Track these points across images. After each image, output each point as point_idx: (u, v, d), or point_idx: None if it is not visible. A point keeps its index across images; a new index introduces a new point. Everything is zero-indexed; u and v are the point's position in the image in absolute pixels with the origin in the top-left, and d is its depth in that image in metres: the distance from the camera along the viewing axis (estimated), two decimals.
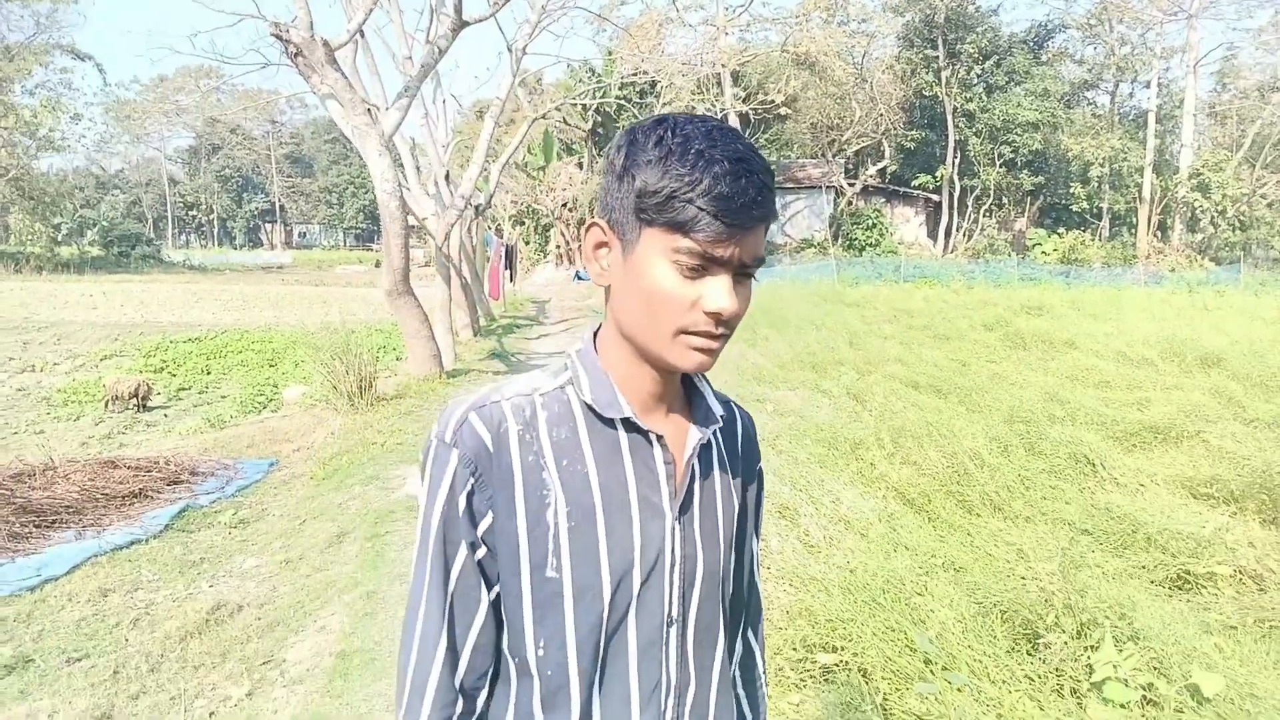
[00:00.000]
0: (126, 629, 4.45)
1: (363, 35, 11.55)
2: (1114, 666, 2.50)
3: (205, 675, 3.94)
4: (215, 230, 76.68)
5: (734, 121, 35.51)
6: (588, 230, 1.04)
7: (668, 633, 1.05)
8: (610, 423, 1.05)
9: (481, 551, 1.03)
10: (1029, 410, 6.11)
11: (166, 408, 13.78)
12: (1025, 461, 5.05)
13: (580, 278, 32.87)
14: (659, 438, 1.05)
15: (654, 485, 1.05)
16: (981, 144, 39.03)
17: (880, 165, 41.21)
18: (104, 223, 50.30)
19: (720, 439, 1.16)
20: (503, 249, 23.93)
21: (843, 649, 2.84)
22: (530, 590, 1.02)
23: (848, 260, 33.16)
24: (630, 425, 1.05)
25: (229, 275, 39.87)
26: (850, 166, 42.65)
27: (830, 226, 39.30)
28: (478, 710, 1.06)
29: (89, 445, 11.06)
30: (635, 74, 23.90)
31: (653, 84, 31.37)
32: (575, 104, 29.37)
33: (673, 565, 1.04)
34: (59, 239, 44.83)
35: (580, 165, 36.32)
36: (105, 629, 4.45)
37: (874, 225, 38.67)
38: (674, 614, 1.05)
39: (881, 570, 3.26)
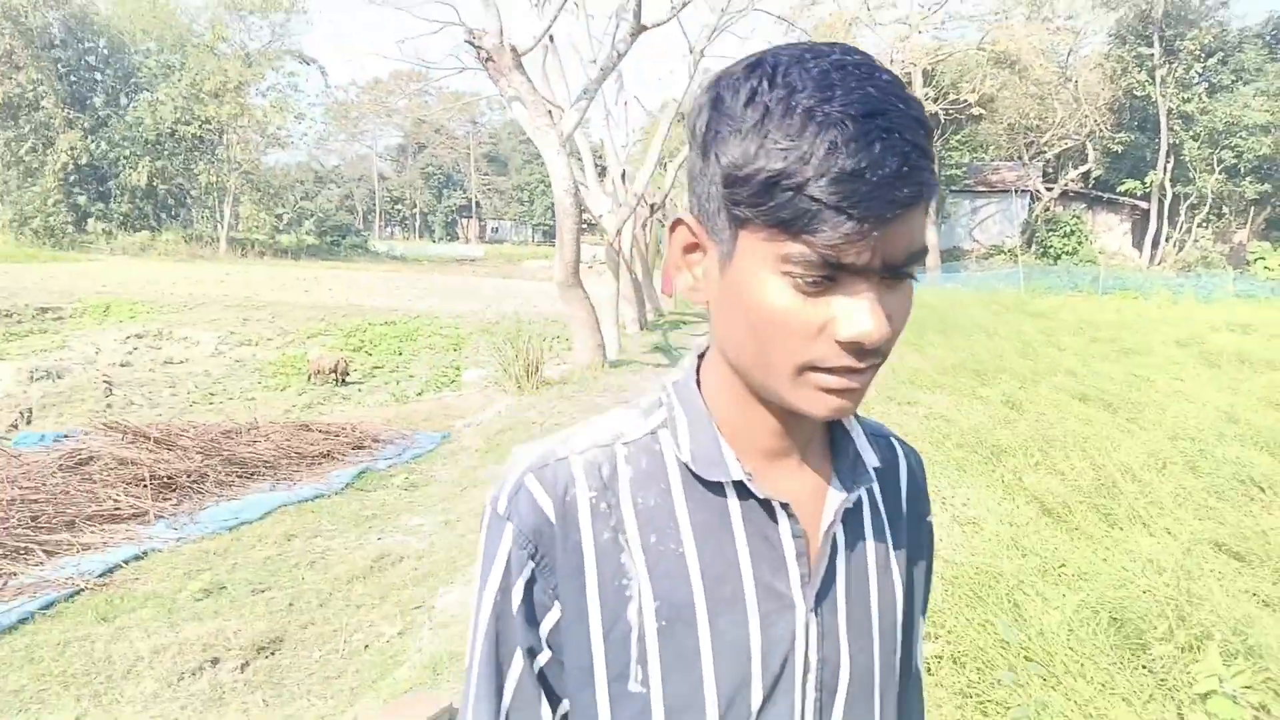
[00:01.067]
0: (304, 569, 5.01)
1: (552, 40, 12.15)
2: (1219, 680, 2.43)
3: (365, 614, 4.40)
4: (417, 223, 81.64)
5: None
6: (673, 229, 0.78)
7: None
8: (716, 486, 0.79)
9: (544, 657, 0.80)
10: (1198, 428, 5.77)
11: (361, 383, 14.94)
12: (1183, 479, 4.80)
13: None
14: (784, 505, 0.78)
15: (778, 567, 0.79)
16: (1199, 148, 36.04)
17: (1082, 169, 38.91)
18: (319, 214, 54.85)
19: (876, 494, 0.87)
20: None
21: (938, 638, 2.89)
22: (610, 709, 0.78)
23: (1040, 269, 31.49)
24: (743, 490, 0.79)
25: (426, 266, 42.53)
26: (1049, 170, 40.49)
27: (1023, 232, 37.47)
28: None
29: (291, 412, 12.20)
30: None
31: None
32: None
33: (806, 673, 0.79)
34: (280, 228, 49.20)
35: None
36: (286, 568, 5.02)
37: (1072, 232, 36.55)
38: None
39: (989, 567, 3.26)
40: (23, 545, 5.05)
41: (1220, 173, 36.03)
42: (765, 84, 0.67)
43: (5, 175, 39.42)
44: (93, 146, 40.66)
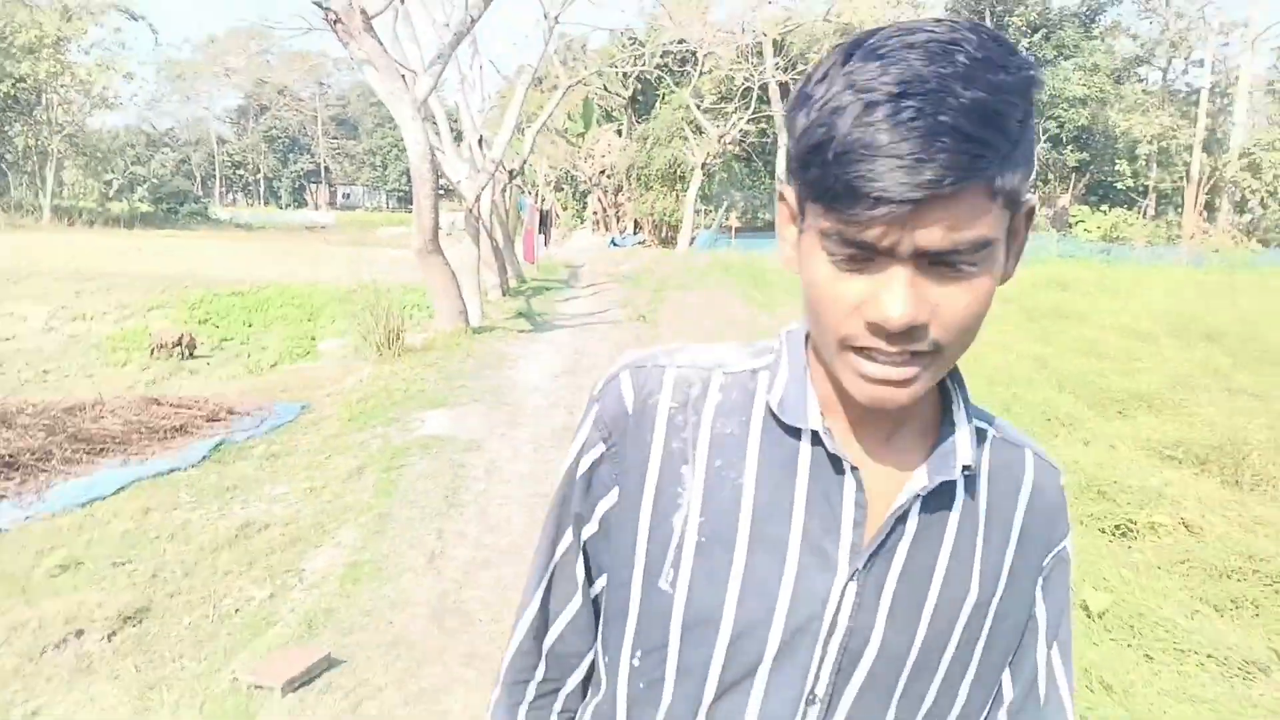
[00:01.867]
0: (165, 541, 4.95)
1: (402, 1, 11.91)
2: None
3: (233, 580, 4.42)
4: (261, 190, 77.95)
5: (774, 92, 35.48)
6: (780, 200, 0.81)
7: (804, 710, 0.81)
8: (794, 432, 0.81)
9: (590, 530, 0.89)
10: (1013, 375, 6.40)
11: (209, 357, 14.39)
12: None
13: (615, 244, 33.14)
14: (853, 469, 0.79)
15: (831, 528, 0.80)
16: None
17: None
18: (154, 180, 51.54)
19: (982, 496, 0.84)
20: (537, 213, 24.33)
21: None
22: (640, 595, 0.85)
23: None
24: (818, 443, 0.80)
25: (273, 233, 40.76)
26: None
27: None
28: (565, 686, 0.96)
29: (134, 389, 11.69)
30: (674, 42, 24.02)
31: (694, 52, 31.41)
32: (614, 71, 29.54)
33: (831, 634, 0.80)
34: (110, 195, 46.06)
35: (619, 133, 36.51)
36: (146, 540, 4.95)
37: None
38: (817, 692, 0.81)
39: None
40: None
41: (1045, 141, 38.65)
42: (841, 62, 0.67)
43: None
44: None
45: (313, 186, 78.60)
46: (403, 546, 4.54)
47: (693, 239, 32.05)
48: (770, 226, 38.18)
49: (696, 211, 33.48)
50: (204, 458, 6.55)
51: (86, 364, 14.35)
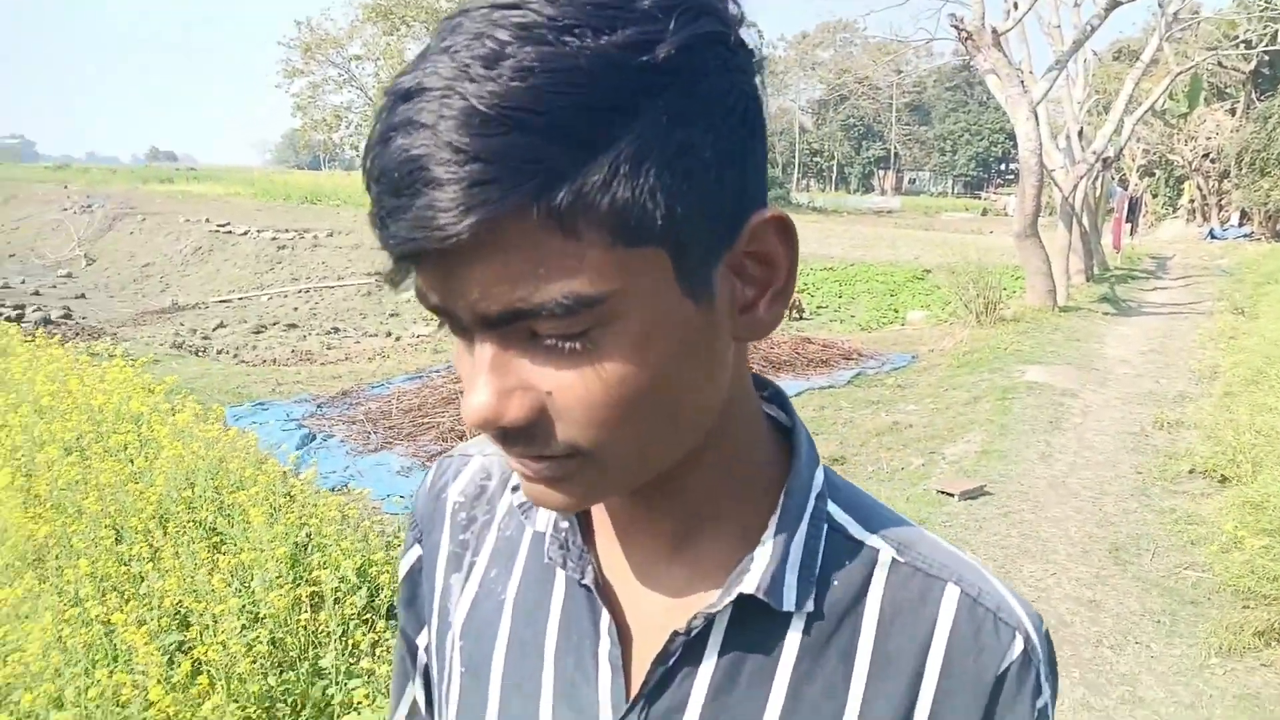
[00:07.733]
0: (839, 427, 7.18)
1: (1016, 7, 13.20)
2: None
3: (894, 453, 6.44)
4: (833, 175, 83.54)
5: None
6: None
7: None
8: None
9: (421, 656, 0.71)
10: None
11: (811, 319, 17.26)
12: None
13: (1214, 236, 30.31)
14: (589, 589, 0.58)
15: (588, 670, 0.58)
16: None
17: None
18: None
19: (863, 643, 0.55)
20: (1126, 200, 23.65)
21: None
22: None
23: None
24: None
25: (846, 217, 44.32)
26: None
27: None
28: None
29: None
30: None
31: None
32: (1233, 45, 26.89)
33: None
34: None
35: (1232, 112, 32.93)
36: (827, 425, 7.22)
37: None
38: None
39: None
40: None
41: None
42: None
43: None
44: None
45: (880, 172, 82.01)
46: (1019, 446, 6.18)
47: None
48: None
49: None
50: (848, 381, 8.81)
51: None
